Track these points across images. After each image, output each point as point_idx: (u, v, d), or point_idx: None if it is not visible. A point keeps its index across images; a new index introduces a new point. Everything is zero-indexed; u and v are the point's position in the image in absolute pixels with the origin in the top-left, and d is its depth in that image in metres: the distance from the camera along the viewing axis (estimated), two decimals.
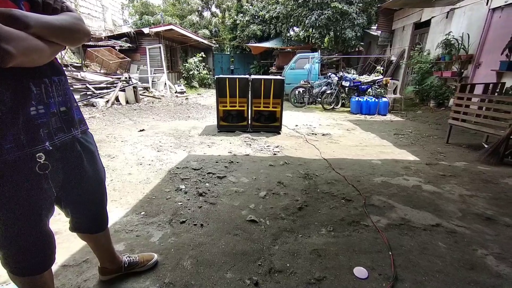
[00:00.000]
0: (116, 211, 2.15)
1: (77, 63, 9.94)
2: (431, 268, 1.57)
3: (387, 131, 5.20)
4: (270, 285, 1.44)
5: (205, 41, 14.98)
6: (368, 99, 7.10)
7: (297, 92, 8.46)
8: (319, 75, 9.31)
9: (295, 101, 8.51)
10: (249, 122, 4.96)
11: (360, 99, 7.21)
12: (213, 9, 21.31)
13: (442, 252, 1.71)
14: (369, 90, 7.71)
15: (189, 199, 2.36)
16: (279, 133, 4.88)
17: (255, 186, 2.64)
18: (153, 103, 8.46)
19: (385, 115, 6.96)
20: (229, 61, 19.24)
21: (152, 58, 11.03)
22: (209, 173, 2.94)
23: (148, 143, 4.08)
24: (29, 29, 0.72)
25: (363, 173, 3.00)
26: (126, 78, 8.47)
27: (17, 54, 0.67)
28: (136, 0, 20.17)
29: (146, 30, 10.54)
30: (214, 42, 17.54)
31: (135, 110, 7.13)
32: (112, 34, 11.89)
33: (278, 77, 5.31)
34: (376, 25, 11.09)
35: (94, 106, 7.13)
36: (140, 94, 8.76)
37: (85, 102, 7.21)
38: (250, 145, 4.11)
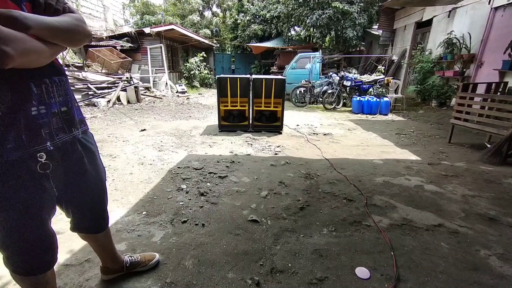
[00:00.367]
0: (118, 210, 2.16)
1: (78, 63, 9.96)
2: (434, 268, 1.56)
3: (388, 130, 5.19)
4: (272, 285, 1.44)
5: (206, 41, 14.99)
6: (369, 98, 7.08)
7: (298, 91, 8.44)
8: (320, 75, 9.30)
9: (296, 100, 8.49)
10: (250, 122, 4.96)
11: (361, 98, 7.19)
12: (214, 8, 21.33)
13: (445, 252, 1.70)
14: (371, 89, 7.69)
15: (190, 199, 2.36)
16: (280, 133, 4.88)
17: (256, 186, 2.64)
18: (154, 103, 8.47)
19: (386, 114, 6.93)
20: (230, 61, 19.25)
21: (153, 58, 11.05)
22: (211, 172, 2.94)
23: (149, 142, 4.09)
24: (28, 30, 0.71)
25: (364, 173, 2.99)
26: (127, 78, 8.49)
27: (16, 55, 0.67)
28: (137, 0, 20.21)
29: (147, 30, 10.56)
30: (215, 42, 17.55)
31: (136, 110, 7.14)
32: (113, 34, 11.91)
33: (279, 76, 5.30)
34: (378, 24, 11.06)
35: (95, 106, 7.15)
36: (142, 94, 8.78)
37: (86, 102, 7.23)
38: (251, 145, 4.10)
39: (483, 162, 3.38)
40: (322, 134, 4.84)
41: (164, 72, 11.17)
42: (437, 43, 7.43)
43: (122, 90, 7.94)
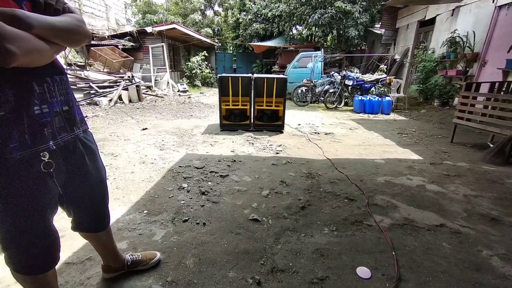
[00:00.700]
0: (119, 209, 2.16)
1: (80, 62, 9.98)
2: (435, 268, 1.55)
3: (390, 130, 5.16)
4: (273, 284, 1.44)
5: (208, 40, 14.97)
6: (371, 98, 7.06)
7: (299, 91, 8.42)
8: (322, 74, 9.27)
9: (298, 100, 8.47)
10: (252, 121, 4.96)
11: (363, 98, 7.16)
12: (216, 7, 21.29)
13: (447, 252, 1.69)
14: (373, 89, 7.66)
15: (191, 198, 2.36)
16: (282, 132, 4.87)
17: (257, 185, 2.64)
18: (155, 102, 8.48)
19: (388, 114, 6.91)
20: (232, 60, 19.22)
21: (155, 57, 11.05)
22: (212, 172, 2.94)
23: (150, 141, 4.10)
24: (31, 29, 0.71)
25: (366, 173, 2.98)
26: (129, 77, 8.50)
27: (20, 54, 0.67)
28: None
29: (149, 29, 10.56)
30: (216, 41, 17.53)
31: (138, 109, 7.16)
32: (115, 33, 11.92)
33: (281, 76, 5.29)
34: (380, 23, 11.00)
35: (97, 104, 7.17)
36: (143, 93, 8.79)
37: (88, 101, 7.25)
38: (252, 144, 4.10)
39: (485, 162, 3.36)
40: (323, 134, 4.83)
41: (166, 71, 11.18)
42: (440, 42, 7.38)
43: (123, 89, 7.95)
